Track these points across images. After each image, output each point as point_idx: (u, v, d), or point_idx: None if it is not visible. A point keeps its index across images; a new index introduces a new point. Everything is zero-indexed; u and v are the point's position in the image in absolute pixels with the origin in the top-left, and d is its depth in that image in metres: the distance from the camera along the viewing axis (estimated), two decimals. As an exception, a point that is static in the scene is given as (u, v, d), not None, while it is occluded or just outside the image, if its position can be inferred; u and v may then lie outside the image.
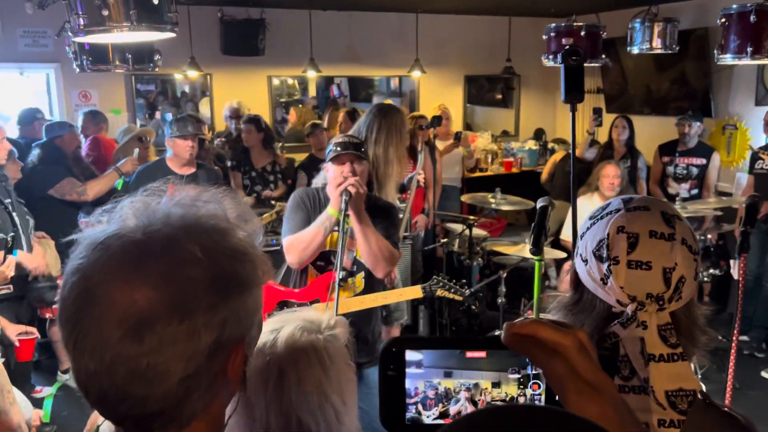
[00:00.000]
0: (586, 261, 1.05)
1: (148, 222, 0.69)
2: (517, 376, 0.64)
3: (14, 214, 3.70)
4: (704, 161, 5.43)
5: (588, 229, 1.07)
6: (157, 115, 6.98)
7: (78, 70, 2.69)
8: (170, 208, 0.71)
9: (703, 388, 3.68)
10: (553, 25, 4.09)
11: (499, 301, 4.56)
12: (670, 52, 3.50)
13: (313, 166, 5.24)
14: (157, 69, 2.77)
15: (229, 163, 5.68)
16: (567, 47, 1.77)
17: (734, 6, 2.89)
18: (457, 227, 5.38)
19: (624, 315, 0.99)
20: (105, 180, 4.67)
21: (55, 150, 4.91)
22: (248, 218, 0.77)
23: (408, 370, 0.62)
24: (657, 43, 3.53)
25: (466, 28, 7.64)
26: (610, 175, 4.60)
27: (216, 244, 0.70)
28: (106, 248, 0.68)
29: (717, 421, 1.03)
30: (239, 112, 6.21)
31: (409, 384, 0.62)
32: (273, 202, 4.90)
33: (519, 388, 0.64)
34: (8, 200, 3.67)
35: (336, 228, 2.60)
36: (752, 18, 2.73)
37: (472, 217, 5.19)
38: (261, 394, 1.13)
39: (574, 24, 3.97)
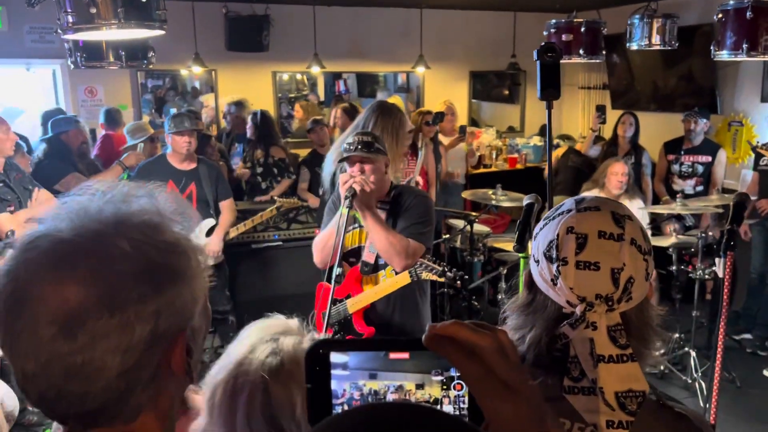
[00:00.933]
0: (537, 261, 1.05)
1: (78, 221, 0.70)
2: (440, 378, 0.65)
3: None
4: (710, 159, 5.39)
5: (541, 229, 1.07)
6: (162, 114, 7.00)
7: (72, 66, 2.71)
8: (102, 206, 0.71)
9: (703, 386, 3.63)
10: (554, 21, 4.07)
11: (500, 297, 4.57)
12: (669, 48, 3.47)
13: (315, 161, 5.25)
14: (152, 66, 2.79)
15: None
16: (543, 44, 1.76)
17: (731, 2, 2.87)
18: (459, 223, 5.38)
19: (573, 316, 0.99)
20: (109, 174, 4.72)
21: (61, 145, 4.97)
22: (184, 212, 0.77)
23: (334, 372, 0.63)
24: (656, 39, 3.50)
25: (471, 24, 7.62)
26: (619, 173, 4.56)
27: (147, 237, 0.70)
28: (34, 248, 0.68)
29: (668, 421, 1.04)
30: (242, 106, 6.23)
31: (336, 385, 0.63)
32: (275, 198, 4.93)
33: (442, 389, 0.64)
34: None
35: (357, 225, 2.65)
36: (748, 14, 2.70)
37: (473, 214, 5.19)
38: (241, 406, 1.13)
39: (575, 20, 3.95)
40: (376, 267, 2.70)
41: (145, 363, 0.70)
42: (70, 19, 1.95)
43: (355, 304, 2.69)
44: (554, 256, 1.01)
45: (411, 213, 2.65)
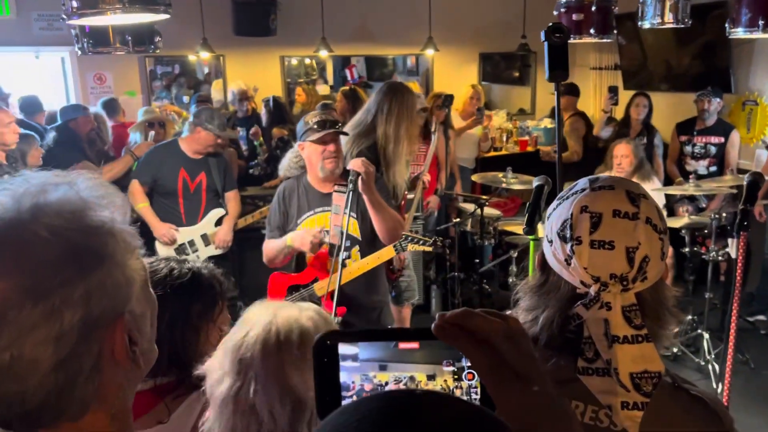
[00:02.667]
0: (551, 242, 1.03)
1: None
2: (452, 368, 0.63)
3: None
4: (722, 139, 5.32)
5: (554, 209, 1.06)
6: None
7: (80, 52, 2.71)
8: (19, 197, 0.68)
9: (716, 368, 3.61)
10: (564, 0, 4.01)
11: (511, 280, 4.55)
12: (682, 26, 3.40)
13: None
14: (159, 51, 2.78)
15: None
16: (550, 24, 1.72)
17: (747, -23, 2.80)
18: (470, 207, 5.35)
19: (587, 296, 0.97)
20: (120, 163, 4.72)
21: (70, 133, 4.98)
22: (108, 194, 0.74)
23: (344, 364, 0.62)
24: (669, 17, 3.42)
25: (480, 5, 7.52)
26: (618, 155, 4.50)
27: (67, 222, 0.68)
28: None
29: (683, 403, 1.02)
30: (247, 93, 6.22)
31: (345, 377, 0.62)
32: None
33: (454, 379, 0.63)
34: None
35: (326, 209, 2.66)
36: (765, -10, 2.64)
37: (483, 197, 5.16)
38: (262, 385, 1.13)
39: (585, -1, 3.88)
40: (340, 248, 2.72)
41: (83, 352, 0.67)
42: (75, 4, 1.94)
43: (324, 287, 2.71)
44: (568, 235, 1.00)
45: (382, 193, 2.71)
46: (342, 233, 2.60)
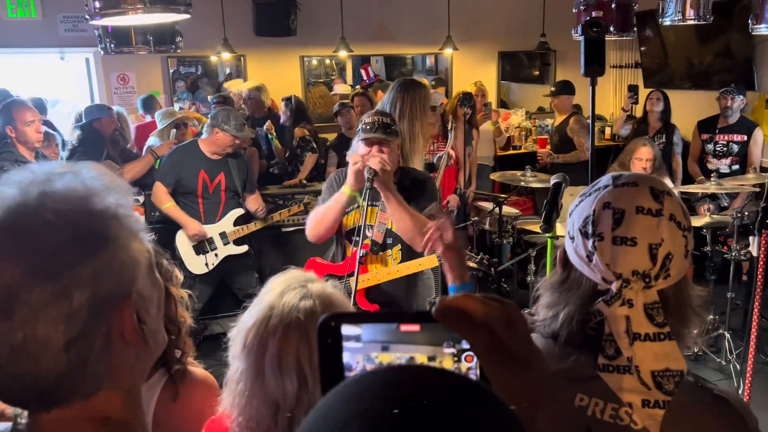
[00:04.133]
0: (573, 238, 1.03)
1: (5, 206, 0.70)
2: (452, 350, 0.64)
3: None
4: (745, 137, 5.25)
5: (576, 206, 1.06)
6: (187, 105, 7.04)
7: (103, 52, 2.76)
8: (27, 186, 0.71)
9: (738, 368, 3.57)
10: (583, -3, 3.99)
11: (529, 279, 4.54)
12: (703, 22, 3.37)
13: (343, 145, 5.26)
14: (180, 51, 2.82)
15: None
16: (587, 19, 1.73)
17: (769, -27, 2.77)
18: (488, 206, 5.34)
19: (609, 292, 0.97)
20: (142, 163, 4.80)
21: (93, 132, 5.06)
22: (113, 184, 0.76)
23: (348, 344, 0.64)
24: (690, 13, 3.39)
25: (499, 4, 7.50)
26: (643, 158, 4.43)
27: (72, 206, 0.71)
28: None
29: (706, 403, 1.01)
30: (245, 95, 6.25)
31: (349, 358, 0.64)
32: (303, 182, 4.97)
33: (454, 361, 0.65)
34: None
35: (374, 203, 2.66)
36: (787, -15, 2.61)
37: (502, 196, 5.15)
38: (273, 348, 1.15)
39: (605, -4, 3.85)
40: (384, 246, 2.72)
41: (93, 330, 0.70)
42: (97, 4, 1.99)
43: (364, 281, 2.70)
44: (590, 231, 0.99)
45: (426, 195, 2.69)
46: (360, 226, 2.60)
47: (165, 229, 4.23)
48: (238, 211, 4.34)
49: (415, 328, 0.64)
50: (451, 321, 0.63)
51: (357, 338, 0.64)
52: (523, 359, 0.64)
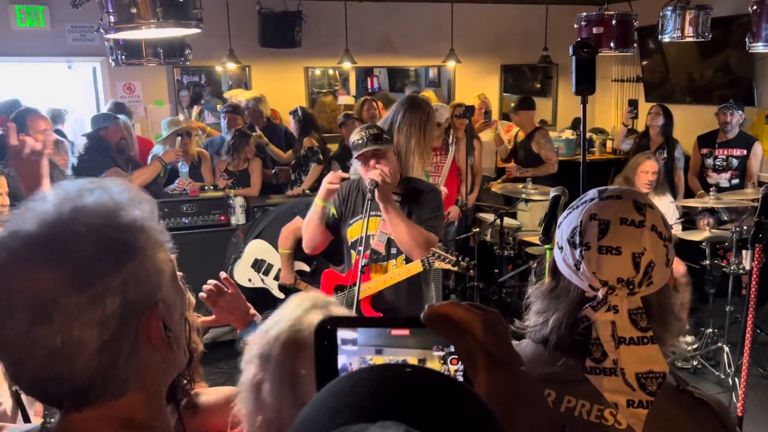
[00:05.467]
0: (561, 248, 1.09)
1: (40, 219, 0.75)
2: (440, 353, 0.70)
3: None
4: (744, 152, 5.29)
5: (565, 218, 1.12)
6: (195, 109, 7.11)
7: (114, 64, 2.82)
8: (61, 202, 0.77)
9: (737, 382, 3.56)
10: (584, 14, 4.06)
11: (530, 290, 4.57)
12: (702, 40, 3.43)
13: (346, 155, 5.31)
14: (188, 63, 2.88)
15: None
16: (578, 40, 1.79)
17: (766, -8, 2.82)
18: (489, 217, 5.38)
19: (595, 299, 1.03)
20: (149, 170, 4.85)
21: (100, 141, 5.12)
22: (139, 198, 0.82)
23: (345, 347, 0.68)
24: (689, 31, 3.45)
25: (502, 17, 7.59)
26: (649, 171, 4.45)
27: (102, 220, 0.76)
28: (4, 249, 0.74)
29: (686, 405, 1.06)
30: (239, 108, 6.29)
31: (345, 360, 0.68)
32: (306, 191, 5.01)
33: (441, 364, 0.70)
34: None
35: (378, 213, 2.69)
36: (784, 5, 2.66)
37: (504, 207, 5.19)
38: (305, 362, 1.16)
39: (606, 13, 3.92)
40: (387, 256, 2.77)
41: (123, 333, 0.75)
42: (112, 19, 2.04)
43: (365, 290, 2.76)
44: (577, 241, 1.05)
45: (427, 206, 2.73)
46: (363, 237, 2.66)
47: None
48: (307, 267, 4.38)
49: (405, 332, 0.69)
50: (438, 326, 0.68)
51: (353, 342, 0.69)
52: (503, 361, 0.70)
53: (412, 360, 0.69)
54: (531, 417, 0.71)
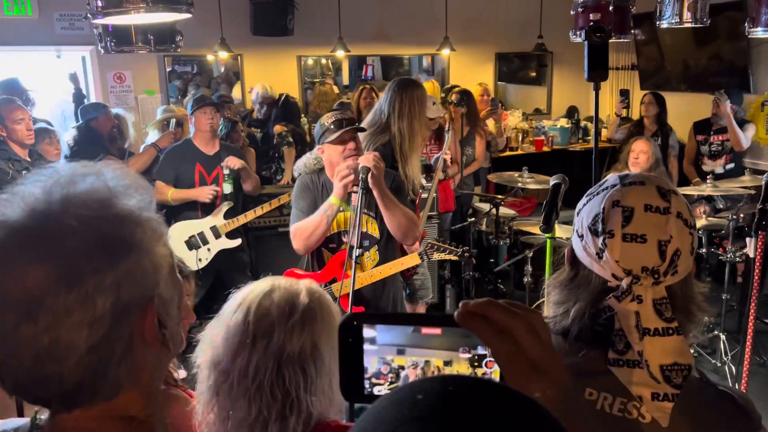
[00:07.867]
0: (581, 236, 1.05)
1: (27, 207, 0.70)
2: (468, 355, 0.64)
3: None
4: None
5: (584, 205, 1.08)
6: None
7: (103, 51, 2.76)
8: (49, 189, 0.71)
9: (733, 370, 3.58)
10: (581, 0, 4.00)
11: (525, 280, 4.55)
12: (700, 25, 3.38)
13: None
14: (179, 50, 2.82)
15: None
16: (591, 23, 1.75)
17: (765, -23, 2.79)
18: (485, 206, 5.35)
19: (619, 288, 0.99)
20: (144, 156, 4.80)
21: (91, 132, 5.05)
22: (136, 185, 0.76)
23: (363, 346, 0.64)
24: (687, 16, 3.40)
25: (497, 5, 7.52)
26: (636, 150, 4.46)
27: (95, 212, 0.71)
28: None
29: (711, 399, 1.03)
30: (272, 98, 6.23)
31: (364, 360, 0.64)
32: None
33: (470, 366, 0.64)
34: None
35: (342, 209, 2.64)
36: (784, -11, 2.63)
37: (499, 197, 5.16)
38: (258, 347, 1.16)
39: (603, -1, 3.87)
40: (362, 248, 2.69)
41: (116, 335, 0.70)
42: (100, 3, 1.99)
43: (349, 284, 2.69)
44: (600, 229, 1.02)
45: (397, 192, 2.68)
46: (357, 232, 2.60)
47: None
48: (227, 204, 4.31)
49: (437, 331, 0.64)
50: (474, 326, 0.62)
51: (372, 341, 0.63)
52: (544, 368, 0.64)
53: (438, 362, 0.64)
54: (572, 427, 0.67)
